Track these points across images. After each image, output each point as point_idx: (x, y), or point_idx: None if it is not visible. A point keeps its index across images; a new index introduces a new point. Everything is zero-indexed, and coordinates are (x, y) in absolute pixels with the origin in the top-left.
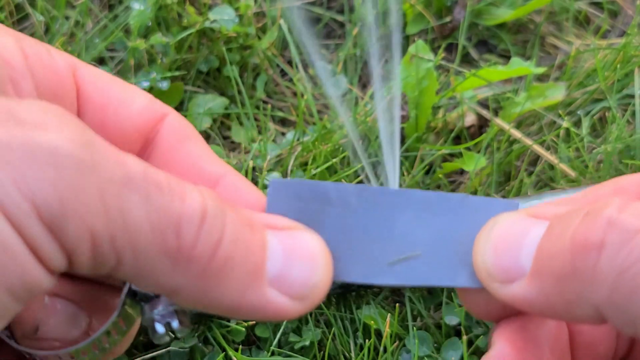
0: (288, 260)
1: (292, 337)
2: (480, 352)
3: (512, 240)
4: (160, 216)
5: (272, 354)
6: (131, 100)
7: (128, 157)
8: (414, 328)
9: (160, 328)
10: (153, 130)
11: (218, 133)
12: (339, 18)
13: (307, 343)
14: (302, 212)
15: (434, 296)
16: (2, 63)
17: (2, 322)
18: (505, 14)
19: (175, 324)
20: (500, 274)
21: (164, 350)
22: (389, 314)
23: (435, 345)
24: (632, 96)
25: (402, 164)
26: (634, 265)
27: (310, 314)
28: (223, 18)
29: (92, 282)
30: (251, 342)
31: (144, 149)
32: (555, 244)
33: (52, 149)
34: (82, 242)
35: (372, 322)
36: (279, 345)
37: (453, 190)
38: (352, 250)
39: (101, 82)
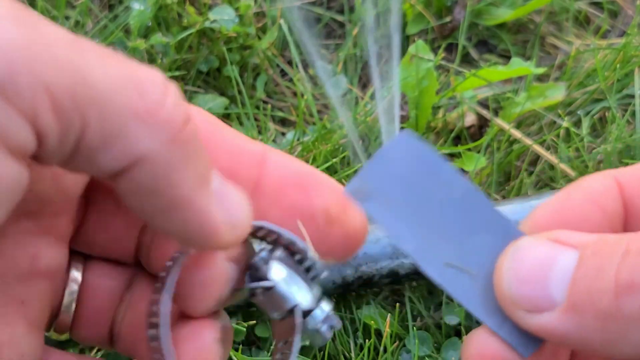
0: (224, 187)
1: None
2: None
3: (538, 269)
4: (120, 74)
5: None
6: None
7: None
8: (414, 328)
9: (327, 333)
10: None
11: None
12: (339, 18)
13: (307, 343)
14: (412, 172)
15: (434, 296)
16: None
17: None
18: (505, 14)
19: (336, 323)
20: (527, 303)
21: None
22: (389, 314)
23: (435, 345)
24: (632, 96)
25: None
26: None
27: None
28: (223, 18)
29: None
30: (251, 342)
31: None
32: (594, 281)
33: None
34: (41, 102)
35: (372, 322)
36: None
37: None
38: (426, 230)
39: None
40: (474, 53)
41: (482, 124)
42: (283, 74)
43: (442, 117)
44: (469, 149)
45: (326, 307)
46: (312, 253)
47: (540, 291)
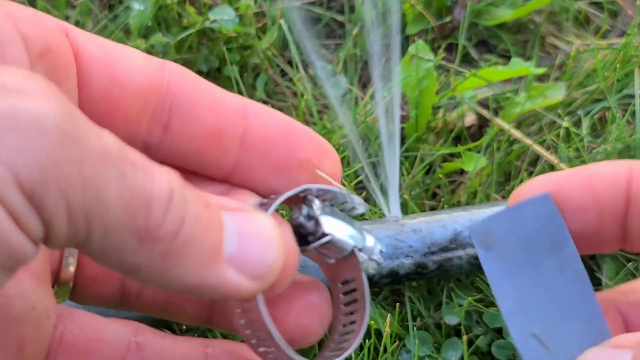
0: (243, 241)
1: None
2: (480, 352)
3: None
4: (134, 195)
5: None
6: (130, 54)
7: (105, 132)
8: (414, 328)
9: (381, 258)
10: (159, 80)
11: None
12: (339, 18)
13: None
14: (537, 237)
15: (433, 296)
16: None
17: None
18: (505, 14)
19: (382, 247)
20: None
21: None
22: (389, 314)
23: (435, 345)
24: (632, 96)
25: (402, 164)
26: None
27: None
28: (223, 18)
29: None
30: None
31: (160, 100)
32: None
33: (35, 117)
34: (59, 214)
35: (372, 322)
36: None
37: (453, 191)
38: (527, 296)
39: (97, 41)
40: (474, 53)
41: (482, 124)
42: (283, 74)
43: (442, 117)
44: (469, 149)
45: (370, 237)
46: (349, 195)
47: None
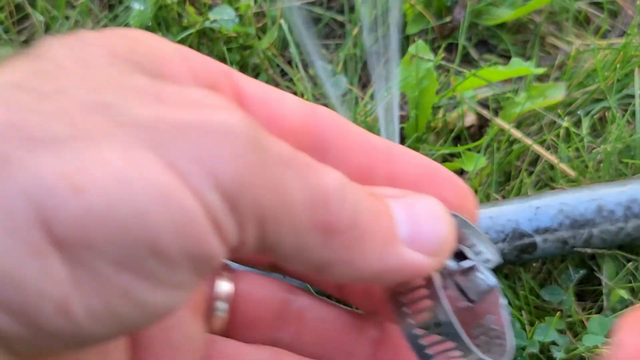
0: (414, 221)
1: None
2: None
3: None
4: (313, 193)
5: None
6: (285, 96)
7: (278, 139)
8: None
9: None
10: (312, 121)
11: None
12: (339, 18)
13: None
14: None
15: None
16: (162, 60)
17: (181, 294)
18: (505, 14)
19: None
20: None
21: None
22: None
23: None
24: (632, 96)
25: None
26: None
27: None
28: (223, 18)
29: None
30: None
31: (314, 140)
32: None
33: (227, 126)
34: (252, 218)
35: None
36: None
37: None
38: None
39: (255, 83)
40: (474, 53)
41: (482, 124)
42: (283, 74)
43: (442, 117)
44: (469, 149)
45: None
46: (489, 242)
47: None
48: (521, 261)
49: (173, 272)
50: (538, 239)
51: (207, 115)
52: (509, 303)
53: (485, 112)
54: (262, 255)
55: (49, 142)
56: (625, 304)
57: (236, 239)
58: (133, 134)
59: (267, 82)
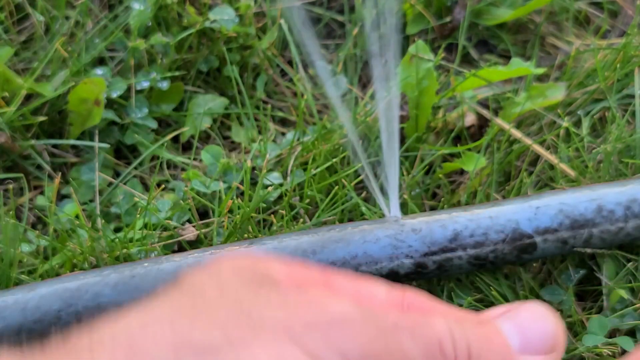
0: (521, 330)
1: None
2: None
3: None
4: (427, 343)
5: None
6: (375, 285)
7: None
8: None
9: None
10: (398, 300)
11: (218, 133)
12: (339, 18)
13: None
14: None
15: (433, 296)
16: (273, 271)
17: None
18: (505, 14)
19: None
20: None
21: None
22: None
23: None
24: (632, 96)
25: (402, 163)
26: None
27: None
28: (223, 18)
29: None
30: None
31: None
32: None
33: (344, 315)
34: None
35: None
36: None
37: (453, 191)
38: None
39: (347, 278)
40: (474, 53)
41: (482, 124)
42: (283, 74)
43: (442, 117)
44: (469, 149)
45: None
46: None
47: None
48: (521, 261)
49: None
50: (538, 239)
51: (326, 308)
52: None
53: (485, 112)
54: None
55: (212, 350)
56: (625, 304)
57: None
58: (274, 332)
59: (267, 82)
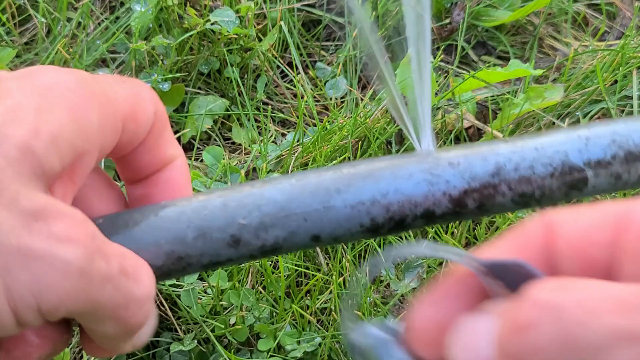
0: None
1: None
2: None
3: (473, 339)
4: (120, 298)
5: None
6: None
7: (115, 256)
8: None
9: None
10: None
11: (218, 134)
12: (339, 20)
13: (311, 348)
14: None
15: None
16: None
17: None
18: (503, 16)
19: None
20: None
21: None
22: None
23: None
24: (630, 97)
25: None
26: None
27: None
28: (224, 20)
29: None
30: (252, 344)
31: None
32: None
33: (61, 260)
34: (58, 315)
35: None
36: (278, 349)
37: None
38: None
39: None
40: (472, 55)
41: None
42: (283, 75)
43: (441, 118)
44: None
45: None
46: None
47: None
48: (569, 199)
49: None
50: (590, 173)
51: (50, 248)
52: None
53: (478, 123)
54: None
55: None
56: None
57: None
58: None
59: (267, 83)
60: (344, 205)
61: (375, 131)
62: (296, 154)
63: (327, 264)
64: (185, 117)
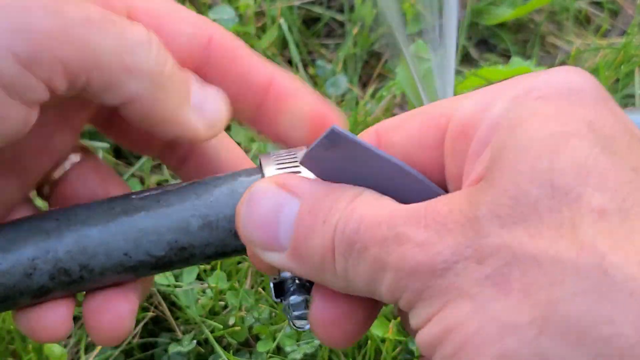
0: (203, 96)
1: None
2: None
3: (269, 215)
4: (117, 42)
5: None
6: (179, 30)
7: (90, 5)
8: None
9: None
10: (203, 55)
11: None
12: (339, 17)
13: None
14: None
15: None
16: None
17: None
18: (505, 13)
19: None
20: (261, 244)
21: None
22: (392, 320)
23: None
24: (632, 96)
25: None
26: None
27: None
28: (223, 17)
29: None
30: (251, 344)
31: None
32: (309, 234)
33: (27, 3)
34: (56, 71)
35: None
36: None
37: None
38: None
39: (152, 10)
40: (474, 52)
41: None
42: None
43: None
44: None
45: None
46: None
47: (271, 236)
48: None
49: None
50: None
51: None
52: None
53: None
54: (79, 96)
55: None
56: None
57: (44, 93)
58: None
59: None
60: None
61: None
62: None
63: None
64: None
